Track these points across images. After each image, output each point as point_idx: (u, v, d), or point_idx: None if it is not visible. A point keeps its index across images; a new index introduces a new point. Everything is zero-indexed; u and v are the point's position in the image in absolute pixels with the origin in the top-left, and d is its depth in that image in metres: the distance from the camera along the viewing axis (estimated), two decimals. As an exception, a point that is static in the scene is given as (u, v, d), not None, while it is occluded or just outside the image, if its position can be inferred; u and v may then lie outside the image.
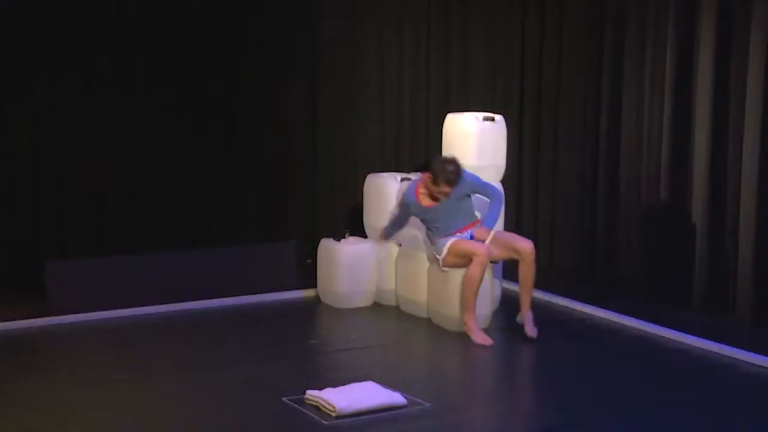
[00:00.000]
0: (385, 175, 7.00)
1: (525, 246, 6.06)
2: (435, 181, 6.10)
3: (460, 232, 6.18)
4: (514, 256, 6.12)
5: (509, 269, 6.64)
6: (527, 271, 6.06)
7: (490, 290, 6.24)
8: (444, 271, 6.18)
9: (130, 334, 6.13)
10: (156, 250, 7.01)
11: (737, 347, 5.68)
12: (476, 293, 5.97)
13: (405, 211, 6.44)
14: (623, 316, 6.41)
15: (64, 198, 7.08)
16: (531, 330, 6.00)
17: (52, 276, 6.43)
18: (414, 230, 6.54)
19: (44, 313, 6.34)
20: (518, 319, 6.10)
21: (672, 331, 6.07)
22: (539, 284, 6.92)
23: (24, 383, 5.16)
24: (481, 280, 5.99)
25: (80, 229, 7.14)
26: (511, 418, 4.90)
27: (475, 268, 5.94)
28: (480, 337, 5.91)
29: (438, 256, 6.17)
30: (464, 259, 6.06)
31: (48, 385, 5.12)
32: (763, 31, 6.03)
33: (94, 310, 6.39)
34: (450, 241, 6.11)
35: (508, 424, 4.86)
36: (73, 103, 7.06)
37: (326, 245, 6.91)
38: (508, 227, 7.01)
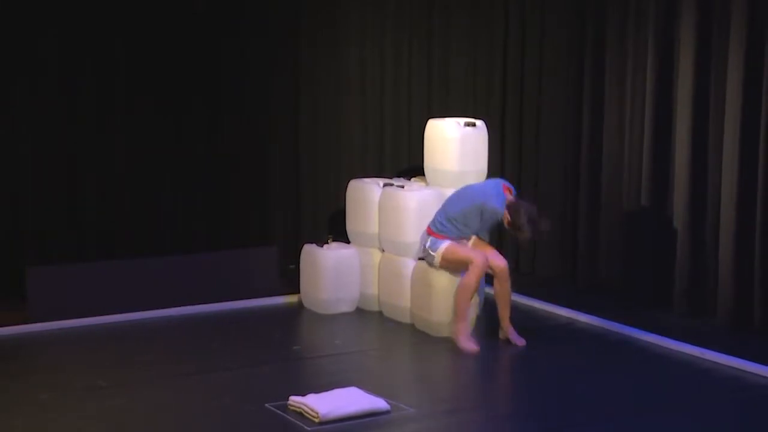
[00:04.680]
0: (367, 180, 7.01)
1: (499, 264, 6.06)
2: (518, 226, 5.89)
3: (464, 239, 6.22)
4: (489, 271, 6.14)
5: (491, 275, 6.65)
6: (502, 287, 6.07)
7: (474, 296, 6.25)
8: (436, 267, 6.19)
9: (112, 341, 6.10)
10: (138, 256, 6.99)
11: (717, 351, 5.72)
12: (470, 301, 5.98)
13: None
14: (605, 320, 6.44)
15: (45, 204, 7.05)
16: (518, 340, 6.02)
17: (34, 282, 6.40)
18: (396, 237, 6.55)
19: (25, 319, 6.31)
20: (500, 335, 6.11)
21: (653, 334, 6.10)
22: (522, 289, 6.96)
23: (5, 390, 5.13)
24: (476, 288, 6.01)
25: (62, 236, 7.11)
26: (495, 423, 4.91)
27: (470, 277, 5.94)
28: (468, 345, 5.92)
29: (432, 253, 6.15)
30: (459, 265, 6.06)
31: (29, 392, 5.09)
32: (741, 34, 6.08)
33: (76, 317, 6.37)
34: (445, 244, 6.09)
35: (491, 429, 4.87)
36: (55, 109, 7.03)
37: (309, 251, 6.91)
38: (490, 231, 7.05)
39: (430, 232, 6.20)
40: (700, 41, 6.38)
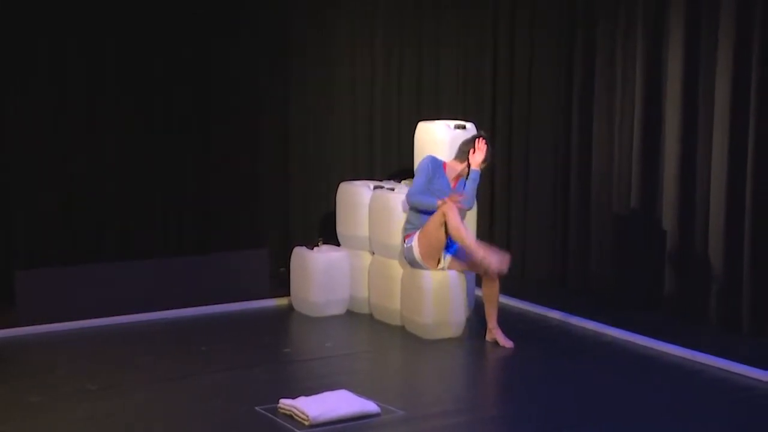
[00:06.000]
0: (357, 183, 7.01)
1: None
2: (469, 148, 6.24)
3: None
4: (479, 271, 6.16)
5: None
6: (491, 287, 6.10)
7: (463, 298, 6.26)
8: (419, 261, 6.20)
9: (102, 344, 6.10)
10: (128, 259, 6.98)
11: (707, 353, 5.74)
12: (463, 226, 5.98)
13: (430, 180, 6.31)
14: (595, 322, 6.45)
15: (35, 207, 7.04)
16: (506, 342, 6.04)
17: (23, 286, 6.38)
18: (386, 239, 6.55)
19: (15, 323, 6.29)
20: (487, 337, 6.13)
21: (643, 336, 6.11)
22: (512, 292, 6.97)
23: (-6, 394, 5.13)
24: (459, 217, 6.00)
25: (51, 239, 7.10)
26: (485, 425, 4.92)
27: (450, 214, 5.96)
28: (494, 258, 5.92)
29: (409, 245, 6.19)
30: (436, 231, 6.05)
31: (18, 396, 5.08)
32: (730, 38, 6.11)
33: (65, 320, 6.36)
34: (418, 232, 6.17)
35: (481, 431, 4.88)
36: (45, 110, 7.03)
37: (299, 253, 6.91)
38: (481, 234, 7.05)
39: (405, 238, 6.29)
40: (689, 46, 6.40)
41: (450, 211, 6.00)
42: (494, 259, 5.93)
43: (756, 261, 6.07)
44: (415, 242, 6.17)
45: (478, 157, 6.27)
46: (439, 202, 6.07)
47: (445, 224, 6.01)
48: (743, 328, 6.14)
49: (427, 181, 6.25)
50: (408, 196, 6.28)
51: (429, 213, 6.16)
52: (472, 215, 6.63)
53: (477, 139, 6.27)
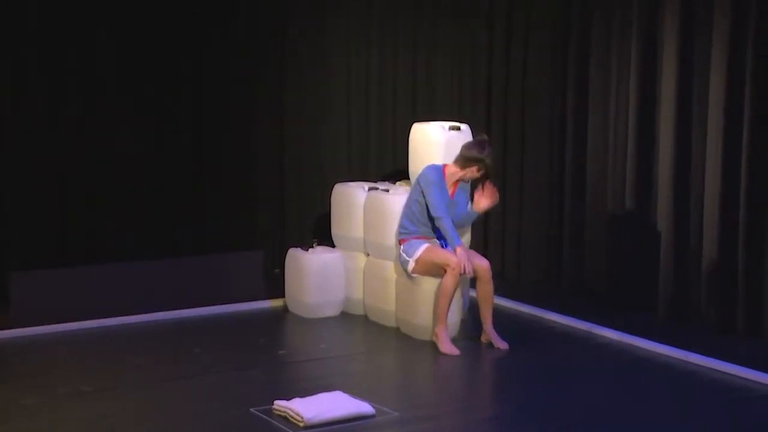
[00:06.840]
0: (352, 184, 7.01)
1: (481, 264, 6.08)
2: (471, 155, 6.11)
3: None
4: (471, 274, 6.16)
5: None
6: (485, 288, 6.08)
7: (458, 299, 6.26)
8: (410, 274, 6.20)
9: (96, 346, 6.09)
10: (122, 260, 6.96)
11: (701, 354, 5.74)
12: (449, 304, 5.98)
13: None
14: (590, 323, 6.46)
15: (28, 209, 7.02)
16: (501, 343, 6.04)
17: (17, 287, 6.37)
18: (381, 240, 6.55)
19: (8, 324, 6.28)
20: (483, 338, 6.13)
21: (637, 338, 6.12)
22: (507, 293, 6.97)
23: (-12, 396, 5.12)
24: (455, 291, 6.00)
25: (46, 240, 7.08)
26: (480, 427, 4.92)
27: (448, 279, 5.94)
28: (448, 347, 5.93)
29: (408, 258, 6.15)
30: (434, 269, 6.07)
31: (12, 398, 5.07)
32: (724, 40, 6.12)
33: (59, 322, 6.35)
34: (422, 248, 6.13)
35: (476, 432, 4.89)
36: (41, 112, 7.01)
37: (294, 255, 6.91)
38: (475, 236, 7.05)
39: (401, 241, 6.25)
40: (683, 47, 6.41)
41: (456, 273, 5.90)
42: (446, 345, 5.92)
43: (751, 262, 6.07)
44: (412, 261, 6.13)
45: (483, 203, 6.22)
46: (459, 250, 5.94)
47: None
48: (739, 329, 6.14)
49: (443, 192, 6.16)
50: (436, 214, 6.04)
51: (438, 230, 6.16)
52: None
53: (486, 182, 6.15)
